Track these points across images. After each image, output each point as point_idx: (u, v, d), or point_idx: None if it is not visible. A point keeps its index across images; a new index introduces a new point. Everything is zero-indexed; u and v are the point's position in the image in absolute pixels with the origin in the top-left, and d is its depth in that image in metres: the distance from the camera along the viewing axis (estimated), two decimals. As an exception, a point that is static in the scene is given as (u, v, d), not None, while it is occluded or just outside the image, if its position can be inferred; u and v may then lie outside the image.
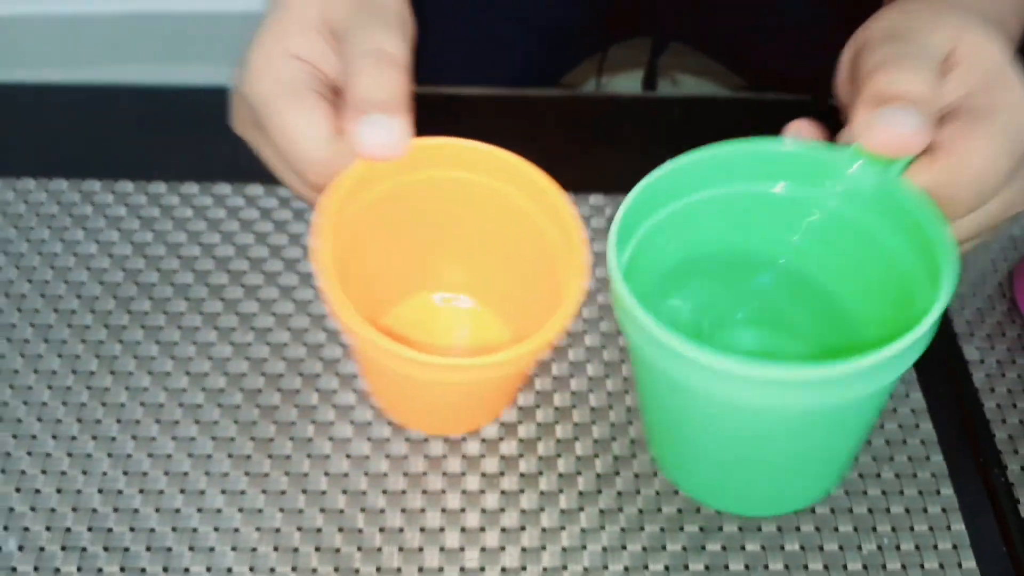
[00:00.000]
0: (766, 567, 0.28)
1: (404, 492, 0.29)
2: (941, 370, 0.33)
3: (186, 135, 0.39)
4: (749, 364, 0.21)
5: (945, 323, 0.34)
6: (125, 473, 0.30)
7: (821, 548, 0.29)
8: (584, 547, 0.29)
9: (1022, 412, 0.32)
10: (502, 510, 0.29)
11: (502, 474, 0.30)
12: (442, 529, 0.29)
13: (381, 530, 0.29)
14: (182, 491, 0.29)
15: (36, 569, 0.27)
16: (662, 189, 0.26)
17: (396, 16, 0.27)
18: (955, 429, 0.32)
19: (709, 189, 0.27)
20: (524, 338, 0.25)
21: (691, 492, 0.29)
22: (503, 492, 0.30)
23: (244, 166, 0.37)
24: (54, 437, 0.30)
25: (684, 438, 0.28)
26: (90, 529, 0.28)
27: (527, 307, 0.30)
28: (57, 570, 0.27)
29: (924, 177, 0.24)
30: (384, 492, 0.29)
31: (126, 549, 0.28)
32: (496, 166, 0.28)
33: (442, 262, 0.32)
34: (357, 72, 0.25)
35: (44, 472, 0.29)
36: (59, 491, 0.29)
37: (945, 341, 0.34)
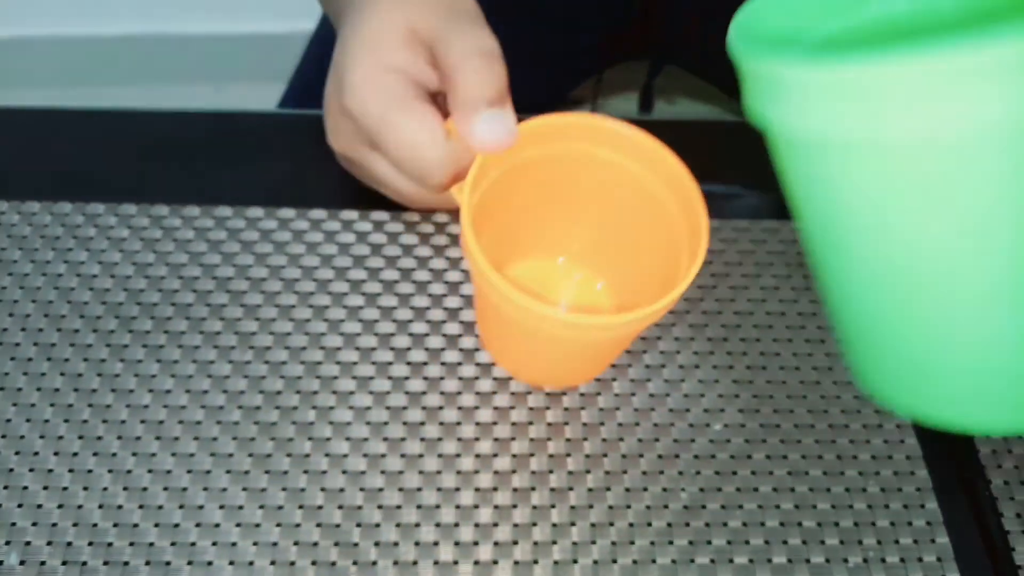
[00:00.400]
0: (756, 580, 0.29)
1: (399, 507, 0.30)
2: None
3: (187, 159, 0.40)
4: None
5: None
6: (125, 489, 0.30)
7: (808, 561, 0.29)
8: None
9: (1006, 426, 0.33)
10: (495, 524, 0.30)
11: (495, 489, 0.30)
12: (436, 543, 0.29)
13: (376, 544, 0.29)
14: (181, 506, 0.30)
15: (37, 584, 0.28)
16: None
17: (478, 13, 0.29)
18: (939, 444, 0.32)
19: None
20: (628, 303, 0.26)
21: (927, 406, 0.20)
22: (496, 507, 0.30)
23: (244, 189, 0.38)
24: (56, 454, 0.31)
25: (918, 291, 0.18)
26: (90, 544, 0.29)
27: (634, 274, 0.32)
28: (57, 585, 0.28)
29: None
30: (379, 507, 0.30)
31: (125, 563, 0.28)
32: (609, 138, 0.29)
33: (554, 229, 0.33)
34: (465, 73, 0.26)
35: (46, 488, 0.30)
36: (60, 506, 0.30)
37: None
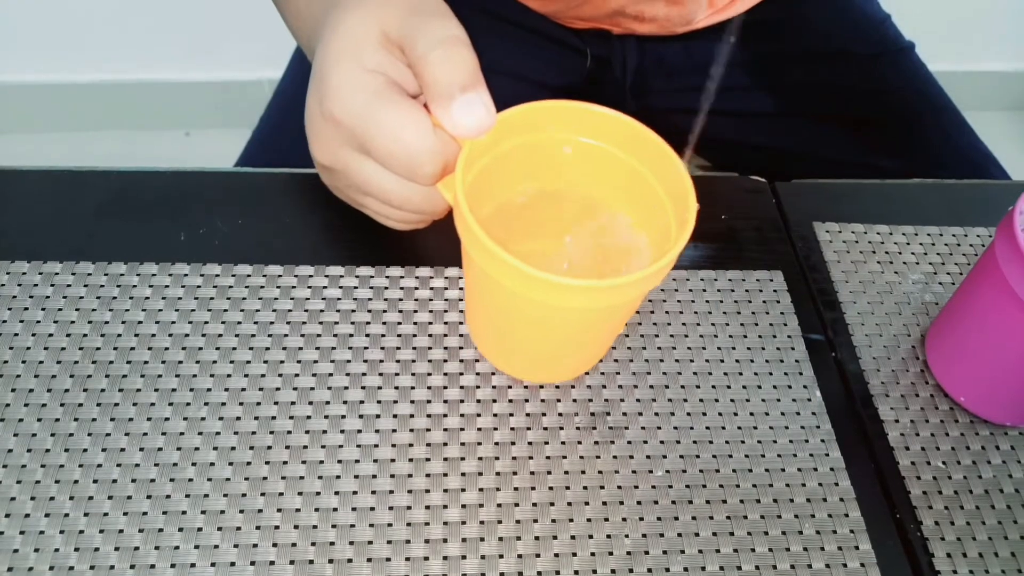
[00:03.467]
0: (712, 620, 0.28)
1: (378, 543, 0.29)
2: (858, 429, 0.34)
3: (177, 217, 0.38)
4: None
5: (861, 384, 0.36)
6: (116, 549, 0.28)
7: (756, 603, 0.29)
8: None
9: (935, 468, 0.33)
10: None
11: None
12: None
13: (366, 598, 0.28)
14: (172, 565, 0.28)
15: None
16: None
17: (441, 8, 0.27)
18: (872, 486, 0.33)
19: None
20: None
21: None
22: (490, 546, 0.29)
23: (232, 247, 0.37)
24: (47, 515, 0.29)
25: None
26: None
27: (623, 255, 0.30)
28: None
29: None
30: (369, 560, 0.29)
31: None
32: (592, 123, 0.27)
33: (543, 217, 0.31)
34: (433, 63, 0.25)
35: (37, 550, 0.28)
36: (51, 568, 0.28)
37: (861, 402, 0.35)
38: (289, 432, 0.31)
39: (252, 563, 0.28)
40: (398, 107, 0.25)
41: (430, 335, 0.35)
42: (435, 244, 0.38)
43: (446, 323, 0.35)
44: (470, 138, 0.25)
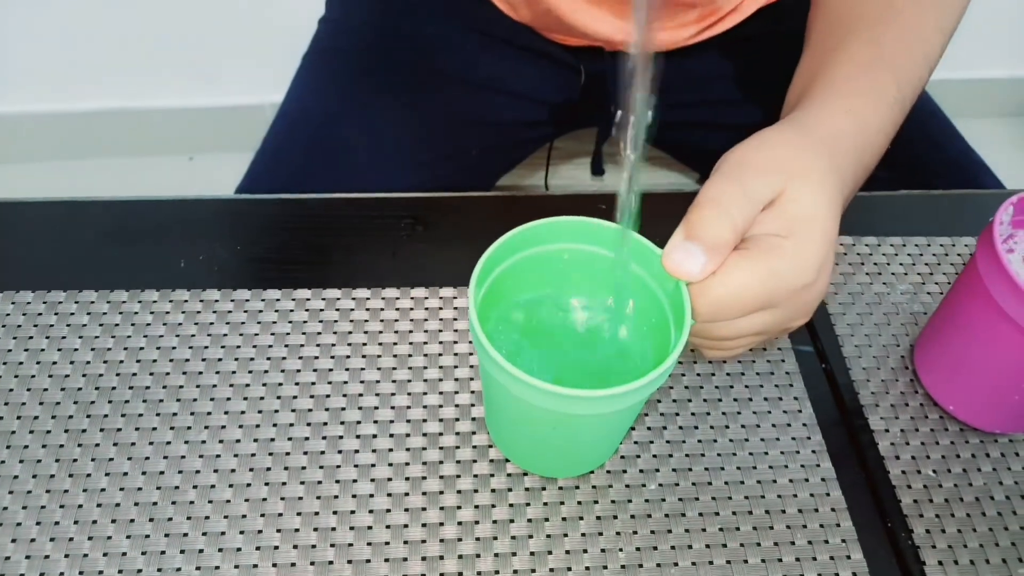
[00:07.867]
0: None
1: (376, 561, 0.29)
2: (849, 440, 0.35)
3: (176, 245, 0.39)
4: (549, 385, 0.25)
5: (851, 395, 0.36)
6: (120, 572, 0.29)
7: (749, 615, 0.29)
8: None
9: (926, 477, 0.34)
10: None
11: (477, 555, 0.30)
12: None
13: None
14: (176, 586, 0.28)
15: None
16: (518, 243, 0.30)
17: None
18: (863, 496, 0.33)
19: (553, 245, 0.31)
20: None
21: (514, 460, 0.33)
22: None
23: (231, 273, 0.37)
24: (52, 540, 0.29)
25: (509, 424, 0.31)
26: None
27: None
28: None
29: (693, 285, 0.28)
30: (366, 579, 0.29)
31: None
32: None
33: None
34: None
35: (42, 575, 0.28)
36: (56, 592, 0.28)
37: (852, 412, 0.35)
38: (288, 453, 0.32)
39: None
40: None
41: (425, 355, 0.35)
42: (430, 265, 0.39)
43: (441, 343, 0.36)
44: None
